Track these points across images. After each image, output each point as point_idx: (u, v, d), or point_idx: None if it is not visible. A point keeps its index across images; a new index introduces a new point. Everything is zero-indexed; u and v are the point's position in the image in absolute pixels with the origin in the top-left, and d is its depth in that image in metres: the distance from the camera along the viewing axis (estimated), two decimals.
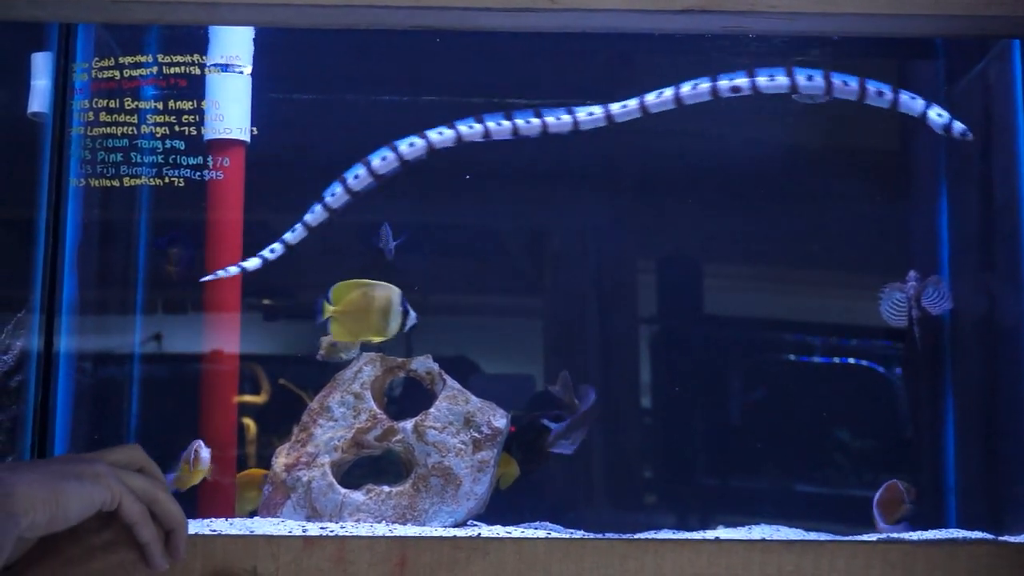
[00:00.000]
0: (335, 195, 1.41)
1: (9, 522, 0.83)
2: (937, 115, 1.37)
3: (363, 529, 1.30)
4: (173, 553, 0.97)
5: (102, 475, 0.90)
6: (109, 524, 0.96)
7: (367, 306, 1.40)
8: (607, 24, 1.30)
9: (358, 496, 1.37)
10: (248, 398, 1.70)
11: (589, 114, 1.43)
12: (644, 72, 1.70)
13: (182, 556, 0.97)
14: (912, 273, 1.46)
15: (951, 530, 1.37)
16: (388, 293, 1.39)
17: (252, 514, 1.41)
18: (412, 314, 1.40)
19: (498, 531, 1.32)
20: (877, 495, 1.38)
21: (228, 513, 1.45)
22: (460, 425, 1.39)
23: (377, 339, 1.40)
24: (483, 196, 1.71)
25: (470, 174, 1.64)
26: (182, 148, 1.43)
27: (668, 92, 1.42)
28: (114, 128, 1.43)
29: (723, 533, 1.34)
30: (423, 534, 1.27)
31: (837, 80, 1.38)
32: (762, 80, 1.39)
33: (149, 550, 0.95)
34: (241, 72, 1.47)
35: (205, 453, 1.42)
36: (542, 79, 1.65)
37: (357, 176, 1.41)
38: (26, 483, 0.85)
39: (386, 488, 1.38)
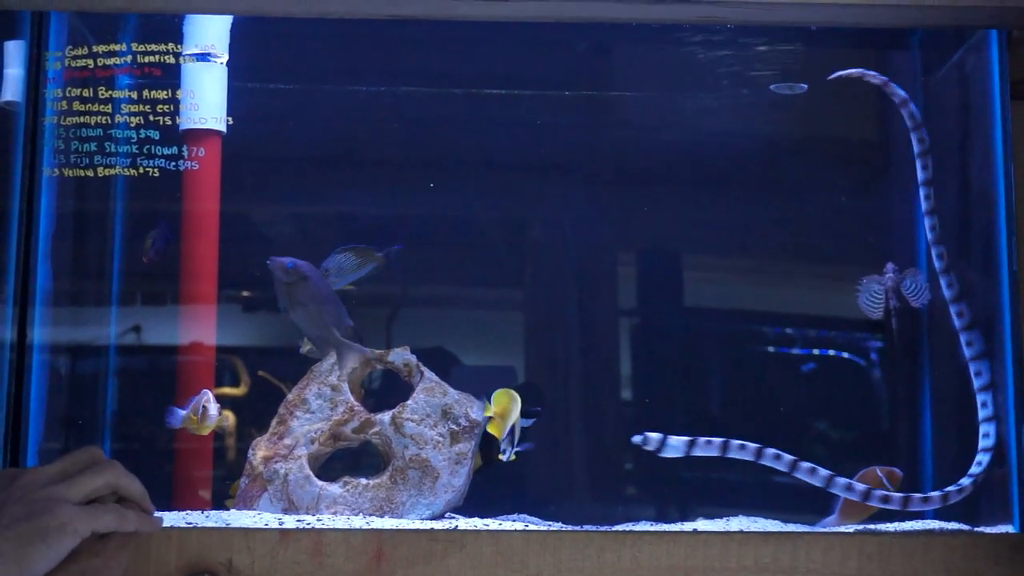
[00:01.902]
0: None
1: None
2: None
3: (340, 522, 1.30)
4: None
5: (67, 524, 0.90)
6: None
7: (511, 414, 1.40)
8: (583, 13, 1.29)
9: (335, 488, 1.37)
10: (227, 390, 1.69)
11: None
12: (621, 63, 1.70)
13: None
14: (890, 265, 1.47)
15: (927, 521, 1.37)
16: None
17: None
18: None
19: (476, 523, 1.32)
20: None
21: (204, 506, 1.44)
22: (438, 417, 1.39)
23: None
24: (462, 187, 1.70)
25: (450, 164, 1.63)
26: (157, 138, 1.41)
27: None
28: (88, 118, 1.41)
29: (701, 525, 1.34)
30: (400, 526, 1.27)
31: None
32: None
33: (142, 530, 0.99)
34: (217, 61, 1.46)
35: (213, 409, 1.37)
36: (520, 69, 1.64)
37: None
38: None
39: (363, 480, 1.37)
